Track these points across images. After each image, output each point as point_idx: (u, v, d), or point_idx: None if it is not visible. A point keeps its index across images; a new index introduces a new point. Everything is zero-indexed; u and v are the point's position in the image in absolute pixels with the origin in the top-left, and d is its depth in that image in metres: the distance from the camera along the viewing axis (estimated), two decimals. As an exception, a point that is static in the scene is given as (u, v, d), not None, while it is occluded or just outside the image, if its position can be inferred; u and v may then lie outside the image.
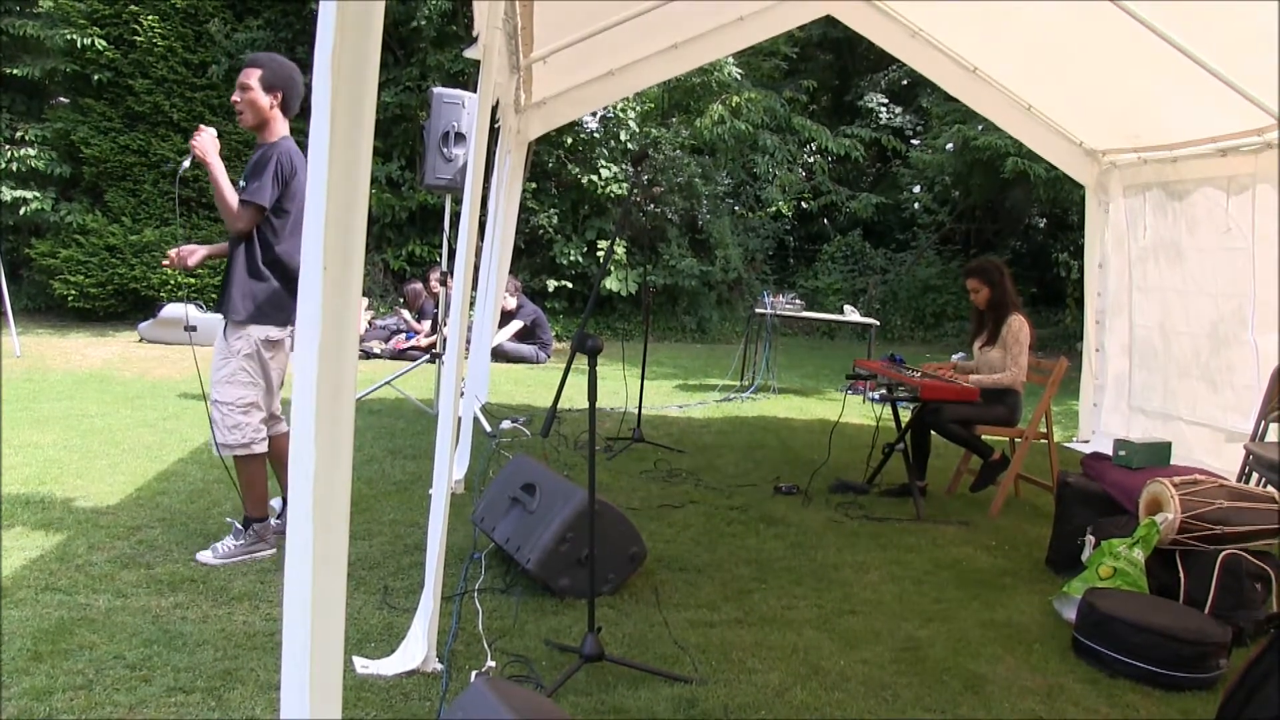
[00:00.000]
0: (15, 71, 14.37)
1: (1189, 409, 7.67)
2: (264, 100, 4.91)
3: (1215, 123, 7.04)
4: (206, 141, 4.86)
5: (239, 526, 4.94)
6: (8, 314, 11.02)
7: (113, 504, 5.60)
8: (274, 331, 4.89)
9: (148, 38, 14.06)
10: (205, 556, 4.81)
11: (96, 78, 14.09)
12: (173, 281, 13.78)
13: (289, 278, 4.84)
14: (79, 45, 13.78)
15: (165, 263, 5.06)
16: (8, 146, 14.14)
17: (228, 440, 4.85)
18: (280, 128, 4.97)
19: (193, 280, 13.87)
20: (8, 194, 13.80)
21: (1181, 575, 4.74)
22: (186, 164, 4.95)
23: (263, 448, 4.94)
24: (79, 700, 3.37)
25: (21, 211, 13.97)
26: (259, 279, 4.86)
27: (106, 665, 3.62)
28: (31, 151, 14.16)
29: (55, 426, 7.46)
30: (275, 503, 5.32)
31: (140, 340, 12.60)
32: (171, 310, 12.59)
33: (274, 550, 4.94)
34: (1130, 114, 7.87)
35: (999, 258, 7.58)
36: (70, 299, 13.81)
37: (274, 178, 4.76)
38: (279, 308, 4.87)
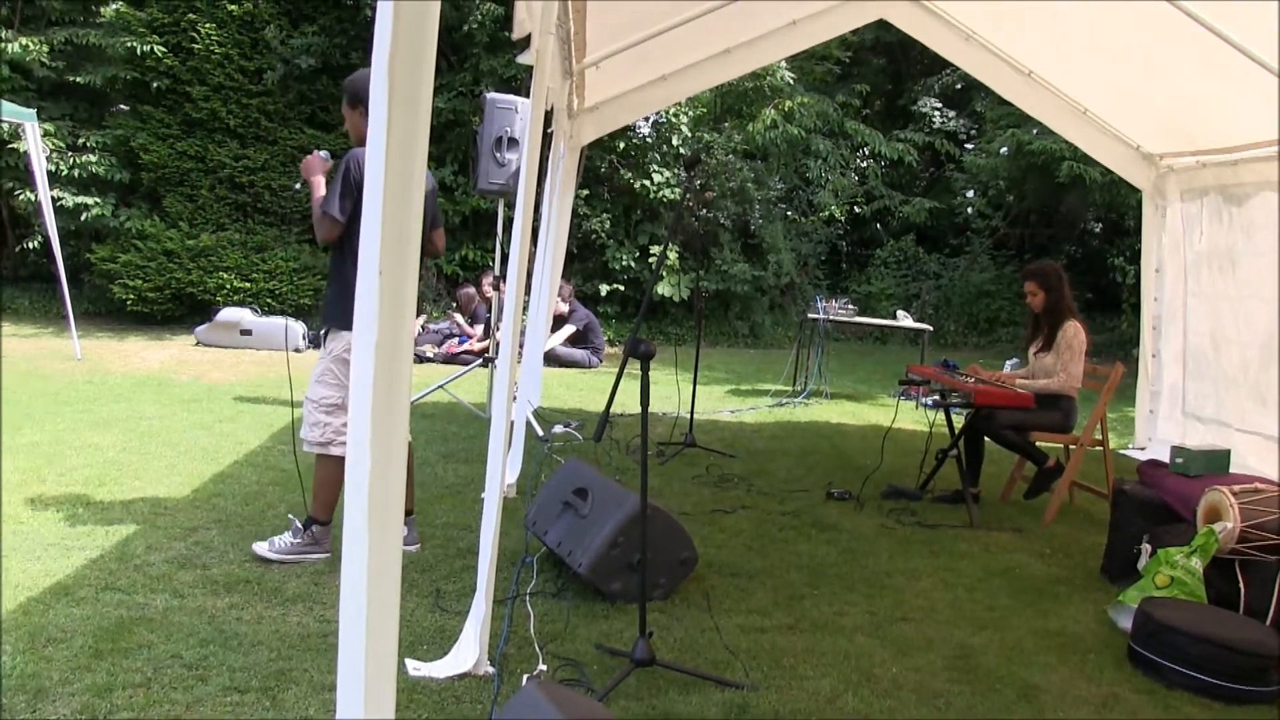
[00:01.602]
0: (79, 79, 14.65)
1: (1241, 417, 7.54)
2: (353, 118, 5.03)
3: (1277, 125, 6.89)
4: (310, 163, 5.07)
5: (299, 525, 5.00)
6: (69, 317, 11.22)
7: (170, 505, 5.68)
8: None
9: (205, 45, 14.27)
10: (261, 548, 4.91)
11: (155, 85, 14.34)
12: (228, 286, 13.95)
13: None
14: (139, 53, 14.03)
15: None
16: (70, 153, 14.39)
17: (308, 436, 4.97)
18: None
19: (248, 285, 14.03)
20: (70, 200, 14.04)
21: (1241, 586, 4.65)
22: (298, 185, 5.23)
23: (340, 450, 4.94)
24: (138, 697, 3.42)
25: (83, 217, 14.22)
26: (349, 285, 4.89)
27: (164, 664, 3.67)
28: (93, 158, 14.41)
29: (115, 428, 7.57)
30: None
31: (197, 344, 12.76)
32: (227, 314, 12.74)
33: (327, 555, 4.96)
34: (1189, 116, 7.75)
35: (1055, 262, 7.49)
36: (129, 303, 14.03)
37: (343, 186, 4.81)
38: None
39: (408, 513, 5.34)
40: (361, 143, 5.03)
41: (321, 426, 4.95)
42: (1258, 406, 7.33)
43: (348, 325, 4.87)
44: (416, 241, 1.96)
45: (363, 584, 1.90)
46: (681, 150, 16.63)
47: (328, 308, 5.01)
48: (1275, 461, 6.82)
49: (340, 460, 4.96)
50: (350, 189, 4.80)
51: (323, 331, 5.08)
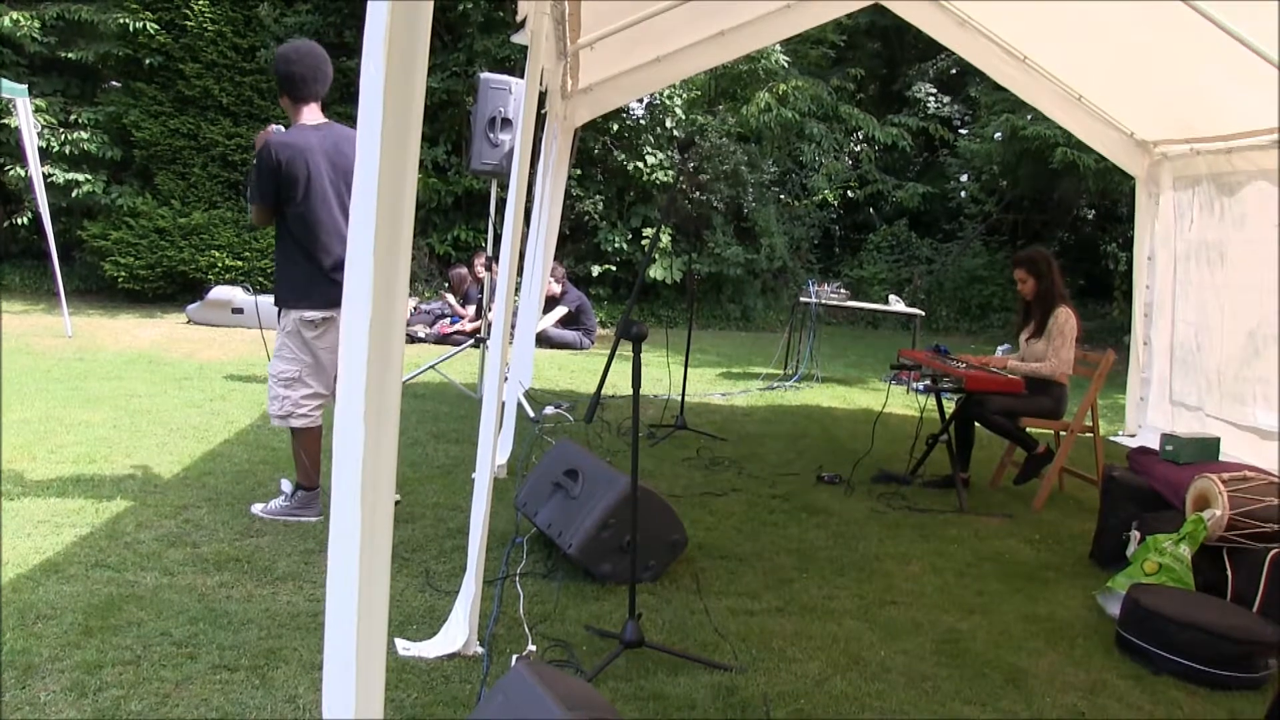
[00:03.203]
0: (70, 55, 14.55)
1: (1227, 406, 7.55)
2: (282, 99, 5.14)
3: (1272, 114, 6.87)
4: (263, 138, 5.11)
5: (288, 491, 5.25)
6: (60, 294, 11.19)
7: (160, 483, 5.68)
8: (309, 313, 5.03)
9: (198, 22, 14.19)
10: (257, 508, 5.21)
11: (148, 61, 14.24)
12: (220, 265, 13.92)
13: (314, 261, 5.01)
14: (131, 29, 13.92)
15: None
16: (61, 129, 14.31)
17: (271, 410, 5.17)
18: (301, 116, 5.12)
19: (240, 264, 13.99)
20: (61, 176, 13.95)
21: (1229, 573, 4.68)
22: (255, 160, 5.28)
23: (302, 422, 5.14)
24: (127, 674, 3.43)
25: (74, 194, 14.14)
26: (289, 264, 5.08)
27: (154, 641, 3.68)
28: (84, 135, 14.32)
29: (105, 406, 7.56)
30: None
31: (188, 322, 12.74)
32: (219, 293, 12.73)
33: (318, 518, 5.16)
34: (1183, 104, 7.73)
35: (1046, 249, 7.48)
36: (120, 280, 13.98)
37: (259, 173, 4.91)
38: (309, 291, 5.02)
39: None
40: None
41: (281, 400, 5.12)
42: (1248, 391, 7.34)
43: (291, 303, 5.07)
44: (409, 220, 1.96)
45: (353, 563, 1.90)
46: (675, 132, 16.59)
47: (275, 288, 5.14)
48: (1260, 451, 6.84)
49: (302, 430, 5.17)
50: (267, 175, 4.89)
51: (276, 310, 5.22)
